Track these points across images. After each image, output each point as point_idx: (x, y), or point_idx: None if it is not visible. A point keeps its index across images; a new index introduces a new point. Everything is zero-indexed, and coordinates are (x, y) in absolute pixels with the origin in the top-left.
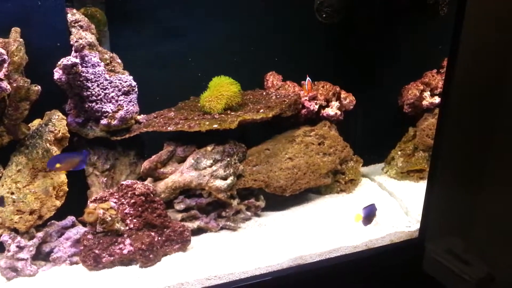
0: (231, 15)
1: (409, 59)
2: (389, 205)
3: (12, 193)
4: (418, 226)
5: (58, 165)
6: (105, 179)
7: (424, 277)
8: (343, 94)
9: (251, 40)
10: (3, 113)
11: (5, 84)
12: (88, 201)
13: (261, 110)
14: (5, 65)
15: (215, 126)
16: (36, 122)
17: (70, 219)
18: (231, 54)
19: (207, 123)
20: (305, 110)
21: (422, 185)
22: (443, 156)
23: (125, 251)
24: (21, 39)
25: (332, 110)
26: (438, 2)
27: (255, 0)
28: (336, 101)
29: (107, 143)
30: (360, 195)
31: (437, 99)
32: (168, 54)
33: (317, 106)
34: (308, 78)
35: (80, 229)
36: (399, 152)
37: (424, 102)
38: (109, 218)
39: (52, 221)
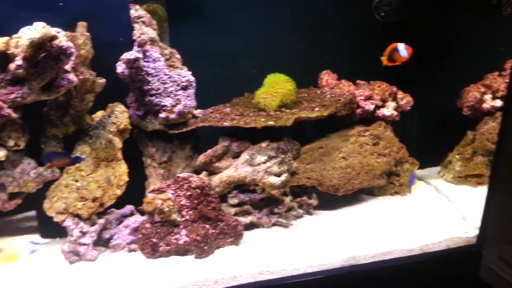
0: (287, 13)
1: (470, 61)
2: (446, 209)
3: (76, 181)
4: (476, 232)
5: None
6: (162, 171)
7: (481, 285)
8: (400, 94)
9: (306, 38)
10: (69, 104)
11: (72, 76)
12: (146, 192)
13: (316, 109)
14: (72, 58)
15: (271, 123)
16: (99, 114)
17: (129, 208)
18: (285, 52)
19: (263, 119)
20: (360, 109)
21: (481, 190)
22: (505, 162)
23: (181, 242)
24: (87, 33)
25: (388, 110)
26: (501, 2)
27: None
28: (392, 101)
29: (165, 136)
30: (415, 198)
31: (498, 102)
32: (224, 50)
33: (372, 106)
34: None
35: (138, 218)
36: (457, 156)
37: (485, 105)
38: (167, 209)
39: (112, 209)
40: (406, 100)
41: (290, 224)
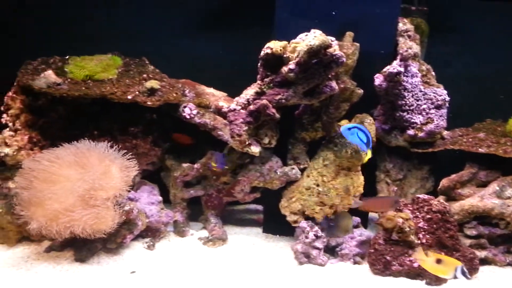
0: None
1: None
2: None
3: (318, 185)
4: None
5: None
6: (395, 188)
7: None
8: None
9: None
10: (322, 110)
11: (334, 84)
12: None
13: None
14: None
15: None
16: (344, 122)
17: (356, 219)
18: None
19: None
20: None
21: None
22: None
23: (415, 264)
24: (357, 44)
25: None
26: None
27: None
28: None
29: (404, 154)
30: None
31: None
32: (474, 71)
33: None
34: None
35: (363, 231)
36: None
37: None
38: (407, 229)
39: None
40: None
41: None
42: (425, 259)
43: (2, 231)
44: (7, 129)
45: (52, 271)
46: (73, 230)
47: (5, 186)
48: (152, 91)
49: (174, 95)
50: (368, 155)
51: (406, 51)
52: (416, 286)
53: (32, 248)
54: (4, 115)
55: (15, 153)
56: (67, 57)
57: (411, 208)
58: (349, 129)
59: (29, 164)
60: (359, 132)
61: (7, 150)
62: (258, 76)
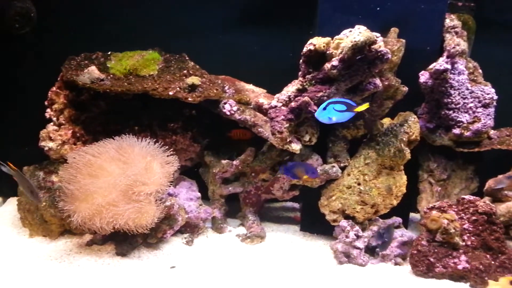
0: None
1: None
2: None
3: (359, 184)
4: None
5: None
6: (439, 188)
7: None
8: None
9: None
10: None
11: (378, 81)
12: (422, 207)
13: None
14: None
15: None
16: (386, 121)
17: (397, 220)
18: None
19: None
20: None
21: None
22: None
23: (459, 267)
24: (403, 40)
25: None
26: None
27: None
28: None
29: (448, 153)
30: None
31: None
32: None
33: None
34: None
35: (404, 232)
36: None
37: None
38: (452, 230)
39: (376, 217)
40: None
41: None
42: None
43: (45, 224)
44: (51, 123)
45: (94, 264)
46: (116, 224)
47: (49, 180)
48: (193, 87)
49: (215, 91)
50: (365, 106)
51: (454, 48)
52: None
53: (74, 241)
54: (48, 110)
55: (59, 147)
56: (109, 52)
57: (456, 209)
58: (324, 108)
59: (74, 158)
60: (335, 105)
61: (51, 144)
62: (300, 72)
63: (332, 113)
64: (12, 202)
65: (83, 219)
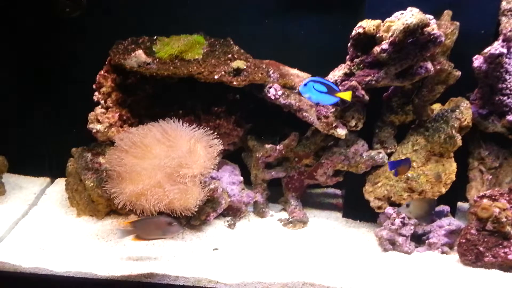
0: None
1: None
2: None
3: None
4: None
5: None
6: (490, 176)
7: None
8: None
9: None
10: (414, 92)
11: (430, 65)
12: (472, 196)
13: None
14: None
15: None
16: (436, 106)
17: (446, 208)
18: None
19: None
20: None
21: None
22: None
23: (510, 257)
24: (457, 23)
25: None
26: None
27: None
28: None
29: (501, 140)
30: None
31: None
32: None
33: None
34: None
35: (452, 220)
36: None
37: None
38: (504, 219)
39: None
40: None
41: None
42: None
43: (93, 204)
44: (99, 106)
45: (138, 244)
46: (161, 205)
47: (96, 161)
48: (238, 71)
49: (260, 75)
50: (347, 95)
51: (510, 31)
52: (510, 278)
53: (120, 221)
54: (96, 93)
55: (106, 130)
56: (155, 37)
57: (507, 198)
58: (305, 85)
59: (121, 140)
60: (315, 84)
61: (99, 126)
62: (348, 56)
63: (311, 91)
64: (60, 182)
65: (129, 199)
